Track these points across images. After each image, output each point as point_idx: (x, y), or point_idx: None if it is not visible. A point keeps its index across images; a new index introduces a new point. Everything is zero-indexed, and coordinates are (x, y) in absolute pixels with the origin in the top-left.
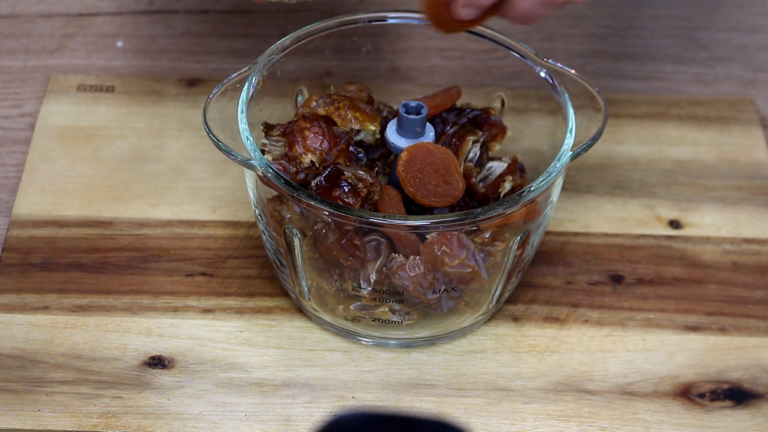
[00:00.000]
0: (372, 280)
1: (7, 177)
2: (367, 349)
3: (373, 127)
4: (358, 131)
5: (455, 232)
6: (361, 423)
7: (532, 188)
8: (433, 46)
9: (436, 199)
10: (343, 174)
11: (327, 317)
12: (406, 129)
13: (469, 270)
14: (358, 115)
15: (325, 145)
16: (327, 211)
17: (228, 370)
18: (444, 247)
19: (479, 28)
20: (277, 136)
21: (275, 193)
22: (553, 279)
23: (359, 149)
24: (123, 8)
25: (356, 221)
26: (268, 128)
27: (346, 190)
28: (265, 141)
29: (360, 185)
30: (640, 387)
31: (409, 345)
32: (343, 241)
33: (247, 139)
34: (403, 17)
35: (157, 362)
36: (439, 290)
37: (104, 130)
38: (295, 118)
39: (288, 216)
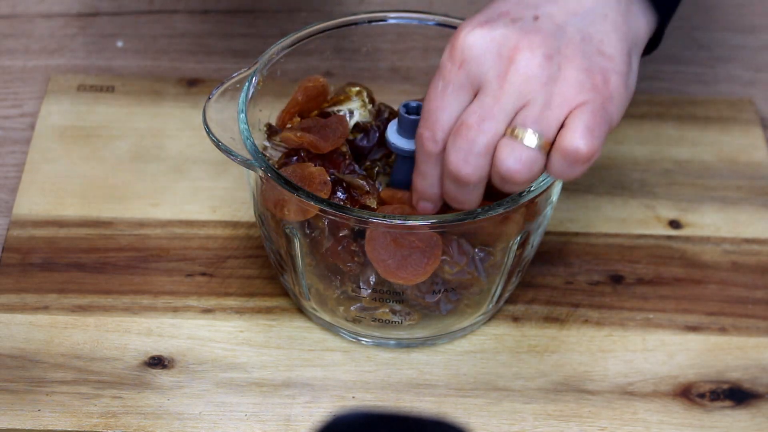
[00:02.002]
0: (372, 282)
1: (7, 177)
2: (367, 349)
3: (353, 107)
4: (351, 112)
5: (455, 238)
6: (361, 423)
7: (532, 188)
8: (433, 46)
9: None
10: (342, 183)
11: (327, 317)
12: (407, 129)
13: (469, 277)
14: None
15: (330, 178)
16: (327, 211)
17: (228, 370)
18: (444, 255)
19: None
20: (279, 142)
21: (275, 193)
22: (553, 279)
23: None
24: (123, 8)
25: (355, 221)
26: (271, 132)
27: (342, 197)
28: (266, 143)
29: (356, 193)
30: (640, 387)
31: (409, 345)
32: (339, 248)
33: (248, 139)
34: (403, 17)
35: (157, 362)
36: (439, 291)
37: (104, 130)
38: (293, 153)
39: (287, 211)
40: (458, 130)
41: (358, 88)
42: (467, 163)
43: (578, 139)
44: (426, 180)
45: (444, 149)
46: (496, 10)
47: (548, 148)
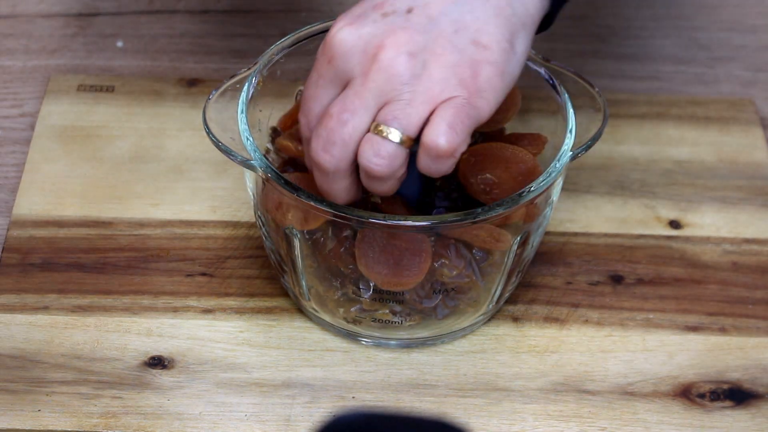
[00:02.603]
0: (372, 284)
1: (7, 177)
2: (367, 349)
3: None
4: None
5: (452, 241)
6: (361, 423)
7: (532, 188)
8: None
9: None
10: None
11: (327, 317)
12: None
13: (467, 280)
14: None
15: None
16: (327, 211)
17: (228, 370)
18: (443, 259)
19: None
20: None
21: (275, 193)
22: (553, 279)
23: None
24: (123, 8)
25: (355, 222)
26: (276, 136)
27: None
28: (269, 146)
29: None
30: (640, 387)
31: (409, 345)
32: (341, 249)
33: (247, 139)
34: None
35: (157, 362)
36: (439, 291)
37: (104, 130)
38: (290, 162)
39: (288, 216)
40: (320, 119)
41: None
42: (325, 151)
43: (439, 136)
44: (308, 160)
45: None
46: (371, 1)
47: (410, 143)
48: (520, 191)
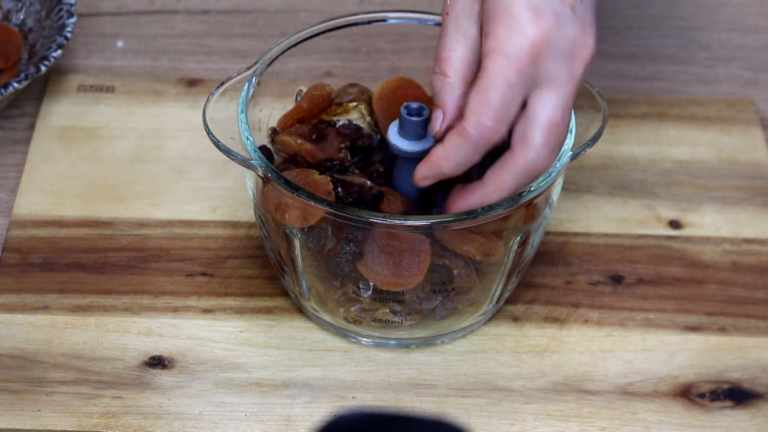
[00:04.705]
0: (372, 284)
1: (7, 177)
2: (367, 349)
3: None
4: (351, 123)
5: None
6: (361, 423)
7: (531, 188)
8: (433, 46)
9: None
10: (343, 180)
11: (327, 317)
12: (408, 131)
13: (467, 279)
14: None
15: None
16: (326, 210)
17: (228, 370)
18: (445, 259)
19: None
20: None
21: (275, 192)
22: (553, 279)
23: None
24: (123, 8)
25: (355, 221)
26: (275, 135)
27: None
28: (269, 146)
29: (358, 190)
30: (640, 387)
31: (409, 345)
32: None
33: (247, 139)
34: (403, 17)
35: (157, 362)
36: (438, 292)
37: (104, 130)
38: (290, 159)
39: (288, 216)
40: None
41: (355, 103)
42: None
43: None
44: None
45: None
46: None
47: None
48: (520, 191)
